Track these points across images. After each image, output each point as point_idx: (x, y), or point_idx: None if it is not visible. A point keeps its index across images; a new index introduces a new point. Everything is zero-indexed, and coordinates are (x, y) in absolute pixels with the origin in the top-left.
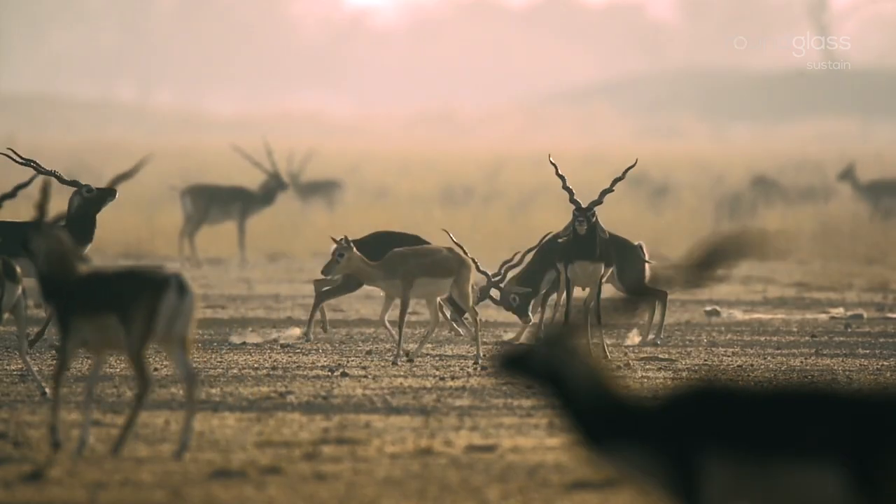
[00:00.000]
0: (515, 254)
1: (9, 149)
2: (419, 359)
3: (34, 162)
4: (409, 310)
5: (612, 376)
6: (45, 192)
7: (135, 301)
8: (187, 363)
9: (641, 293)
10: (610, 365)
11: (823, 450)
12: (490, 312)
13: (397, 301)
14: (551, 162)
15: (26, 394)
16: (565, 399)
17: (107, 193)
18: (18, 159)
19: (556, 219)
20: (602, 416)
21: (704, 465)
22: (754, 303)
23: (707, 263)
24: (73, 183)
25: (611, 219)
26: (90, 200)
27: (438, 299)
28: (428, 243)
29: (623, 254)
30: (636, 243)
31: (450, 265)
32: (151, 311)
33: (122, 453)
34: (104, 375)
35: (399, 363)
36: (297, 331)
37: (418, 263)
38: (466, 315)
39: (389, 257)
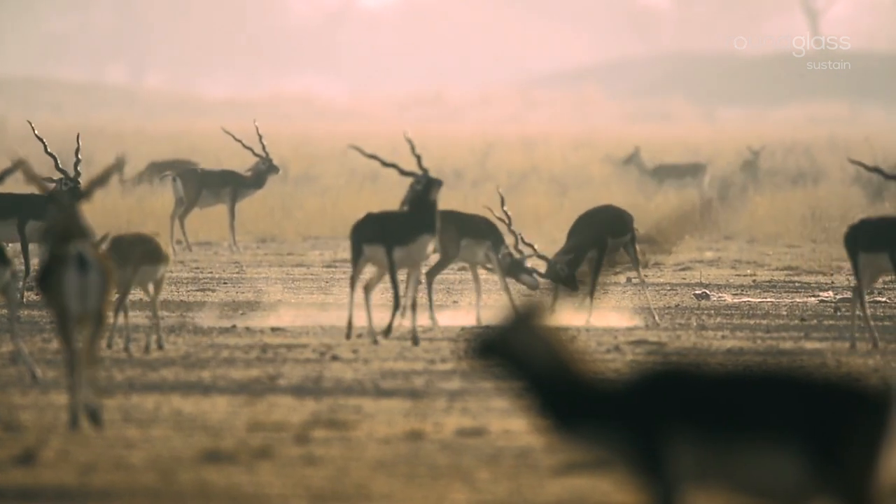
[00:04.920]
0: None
1: (354, 146)
2: (409, 342)
3: (378, 157)
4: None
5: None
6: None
7: (45, 279)
8: (96, 342)
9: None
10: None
11: (785, 429)
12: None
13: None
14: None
15: (17, 377)
16: (531, 380)
17: (433, 182)
18: (365, 154)
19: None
20: (568, 397)
21: (668, 444)
22: (744, 286)
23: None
24: (410, 173)
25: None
26: (419, 191)
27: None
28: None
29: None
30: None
31: (162, 252)
32: (58, 288)
33: (78, 428)
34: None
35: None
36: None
37: (143, 251)
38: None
39: (117, 248)
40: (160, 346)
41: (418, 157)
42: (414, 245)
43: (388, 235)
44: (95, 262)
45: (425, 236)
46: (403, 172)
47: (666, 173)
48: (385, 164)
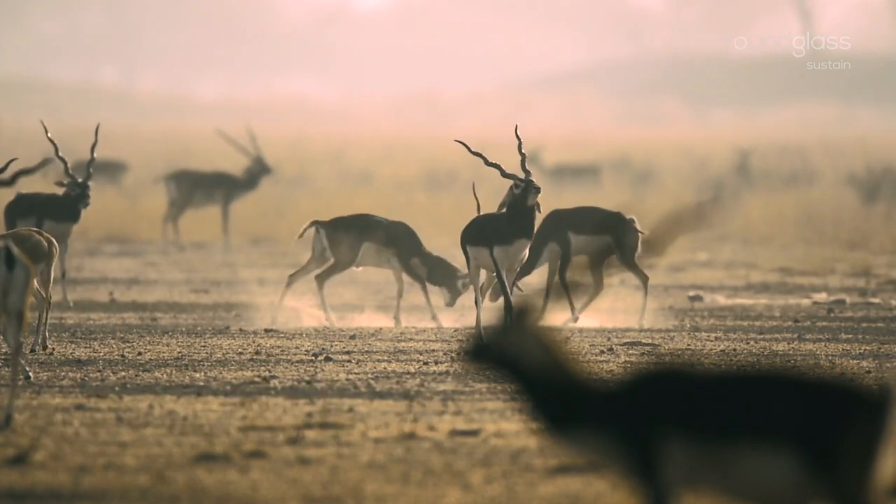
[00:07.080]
0: None
1: (460, 141)
2: (403, 343)
3: (482, 155)
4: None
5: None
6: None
7: None
8: (17, 338)
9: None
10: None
11: (780, 431)
12: None
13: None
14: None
15: (10, 378)
16: (524, 383)
17: (530, 187)
18: (470, 151)
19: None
20: (561, 400)
21: (663, 447)
22: (737, 288)
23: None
24: (510, 176)
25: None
26: (517, 196)
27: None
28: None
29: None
30: (628, 217)
31: (43, 249)
32: None
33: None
34: (88, 360)
35: (38, 350)
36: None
37: (22, 250)
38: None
39: None
40: (44, 348)
41: (523, 157)
42: (511, 248)
43: (490, 236)
44: (20, 259)
45: (522, 240)
46: (505, 174)
47: (565, 173)
48: (488, 164)
